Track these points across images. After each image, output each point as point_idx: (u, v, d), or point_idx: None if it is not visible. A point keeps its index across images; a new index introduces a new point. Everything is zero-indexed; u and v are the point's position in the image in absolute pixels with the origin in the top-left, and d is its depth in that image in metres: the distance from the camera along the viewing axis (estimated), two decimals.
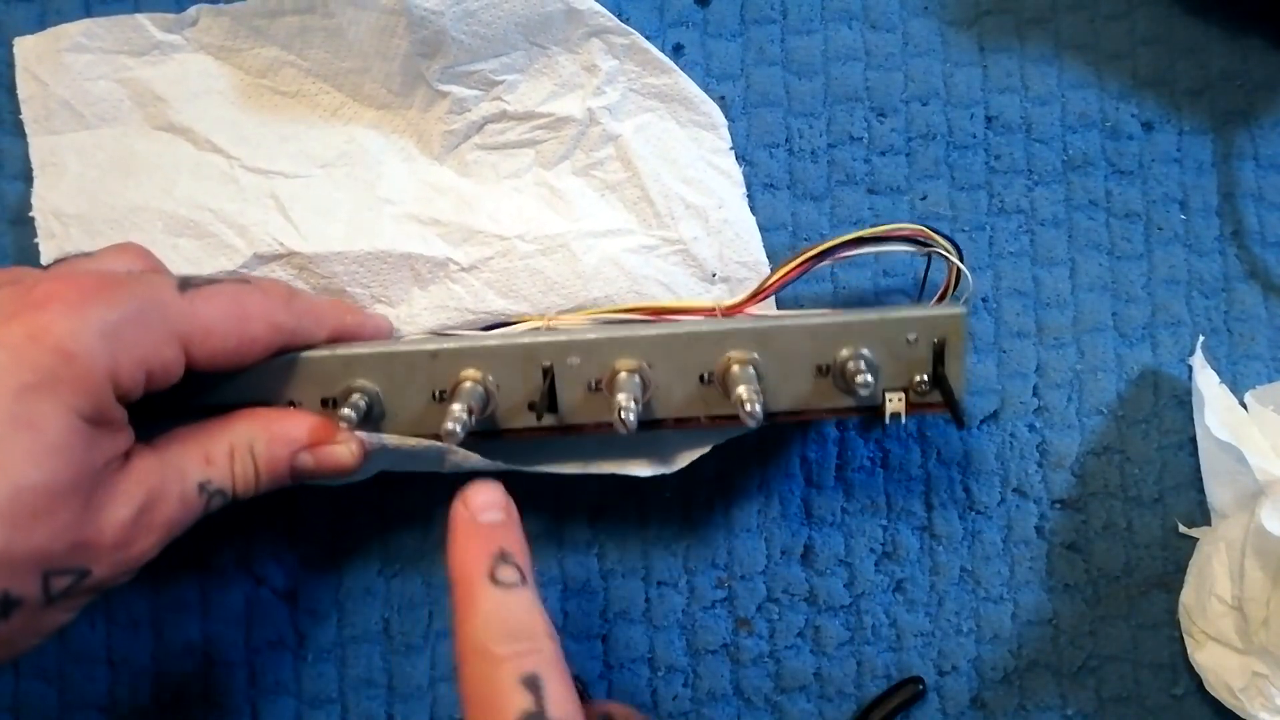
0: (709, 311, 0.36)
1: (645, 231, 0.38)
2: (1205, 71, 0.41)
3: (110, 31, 0.38)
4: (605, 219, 0.38)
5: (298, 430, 0.31)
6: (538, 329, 0.35)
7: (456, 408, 0.30)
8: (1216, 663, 0.37)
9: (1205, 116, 0.41)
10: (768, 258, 0.39)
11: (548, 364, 0.32)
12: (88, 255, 0.31)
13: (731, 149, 0.39)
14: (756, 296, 0.36)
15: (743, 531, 0.39)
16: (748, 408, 0.30)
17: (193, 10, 0.38)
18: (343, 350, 0.32)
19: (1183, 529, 0.39)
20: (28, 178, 0.37)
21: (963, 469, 0.39)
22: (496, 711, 0.25)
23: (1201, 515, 0.39)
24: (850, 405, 0.32)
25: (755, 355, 0.32)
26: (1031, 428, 0.40)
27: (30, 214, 0.37)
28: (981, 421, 0.40)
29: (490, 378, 0.32)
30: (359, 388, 0.32)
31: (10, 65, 0.38)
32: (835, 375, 0.32)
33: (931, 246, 0.35)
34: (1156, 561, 0.39)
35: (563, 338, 0.32)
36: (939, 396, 0.32)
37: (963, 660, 0.39)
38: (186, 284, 0.29)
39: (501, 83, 0.37)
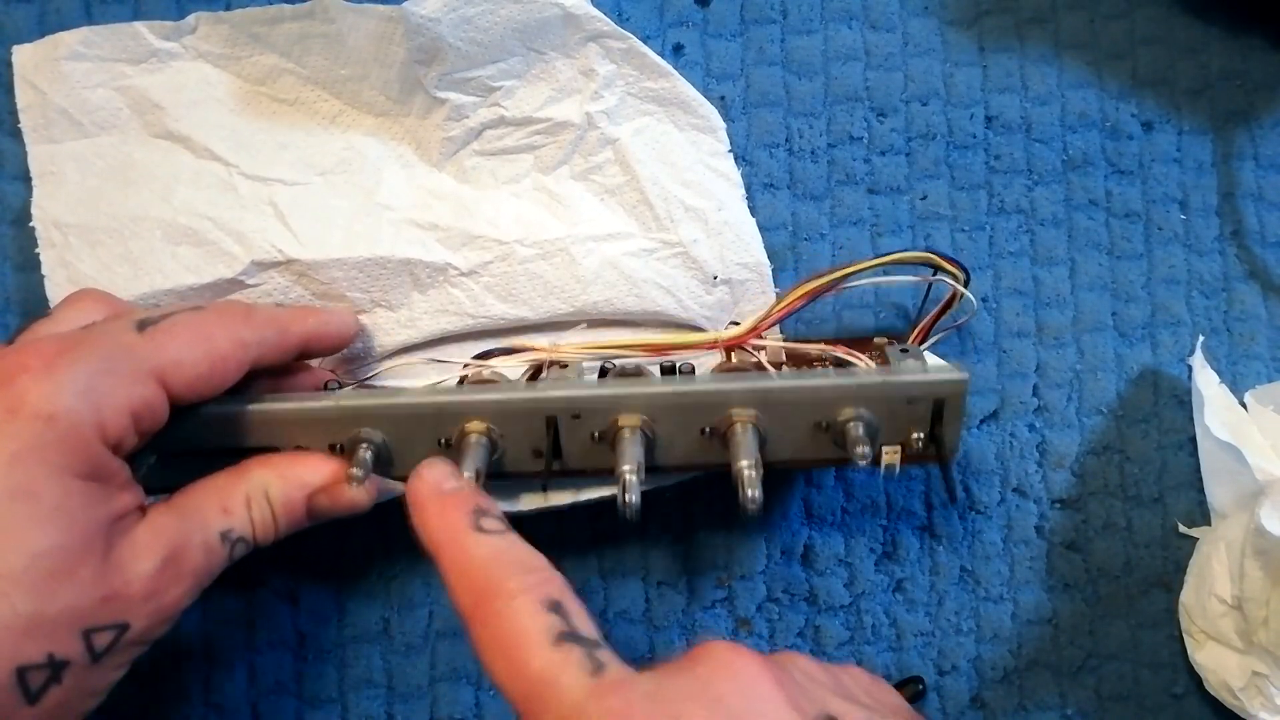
0: (710, 344, 0.36)
1: (645, 235, 0.38)
2: (1205, 71, 0.41)
3: (108, 40, 0.37)
4: (604, 223, 0.38)
5: (310, 474, 0.31)
6: (540, 361, 0.35)
7: (465, 477, 0.30)
8: (1216, 662, 0.37)
9: (1205, 116, 0.41)
10: (768, 258, 0.39)
11: (552, 415, 0.32)
12: (46, 317, 0.31)
13: (730, 151, 0.39)
14: (758, 328, 0.35)
15: (742, 531, 0.39)
16: (749, 492, 0.30)
17: (191, 18, 0.38)
18: (348, 403, 0.32)
19: (1182, 529, 0.39)
20: (27, 178, 0.37)
21: (963, 469, 0.39)
22: (528, 641, 0.25)
23: (1201, 515, 0.39)
24: (847, 457, 0.32)
25: (756, 413, 0.31)
26: (1031, 427, 0.40)
27: (31, 223, 0.37)
28: (981, 421, 0.40)
29: (494, 428, 0.32)
30: (365, 437, 0.32)
31: (10, 65, 0.38)
32: (835, 433, 0.32)
33: (938, 274, 0.35)
34: (1156, 561, 0.39)
35: (566, 393, 0.32)
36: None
37: (962, 660, 0.39)
38: (144, 323, 0.29)
39: (499, 89, 0.37)
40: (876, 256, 0.35)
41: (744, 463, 0.30)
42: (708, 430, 0.32)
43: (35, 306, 0.37)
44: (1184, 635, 0.39)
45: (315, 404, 0.32)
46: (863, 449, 0.30)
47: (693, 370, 0.35)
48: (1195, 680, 0.38)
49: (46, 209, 0.37)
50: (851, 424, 0.31)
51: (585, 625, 0.26)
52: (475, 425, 0.32)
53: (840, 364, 0.35)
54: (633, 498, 0.30)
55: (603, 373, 0.34)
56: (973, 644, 0.39)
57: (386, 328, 0.37)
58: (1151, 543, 0.39)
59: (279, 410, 0.32)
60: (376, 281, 0.37)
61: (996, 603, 0.39)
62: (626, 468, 0.30)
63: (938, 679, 0.39)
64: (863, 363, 0.34)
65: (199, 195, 0.37)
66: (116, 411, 0.27)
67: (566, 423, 0.32)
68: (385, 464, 0.32)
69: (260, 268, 0.36)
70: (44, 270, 0.36)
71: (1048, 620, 0.39)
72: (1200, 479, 0.39)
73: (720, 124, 0.39)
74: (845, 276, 0.35)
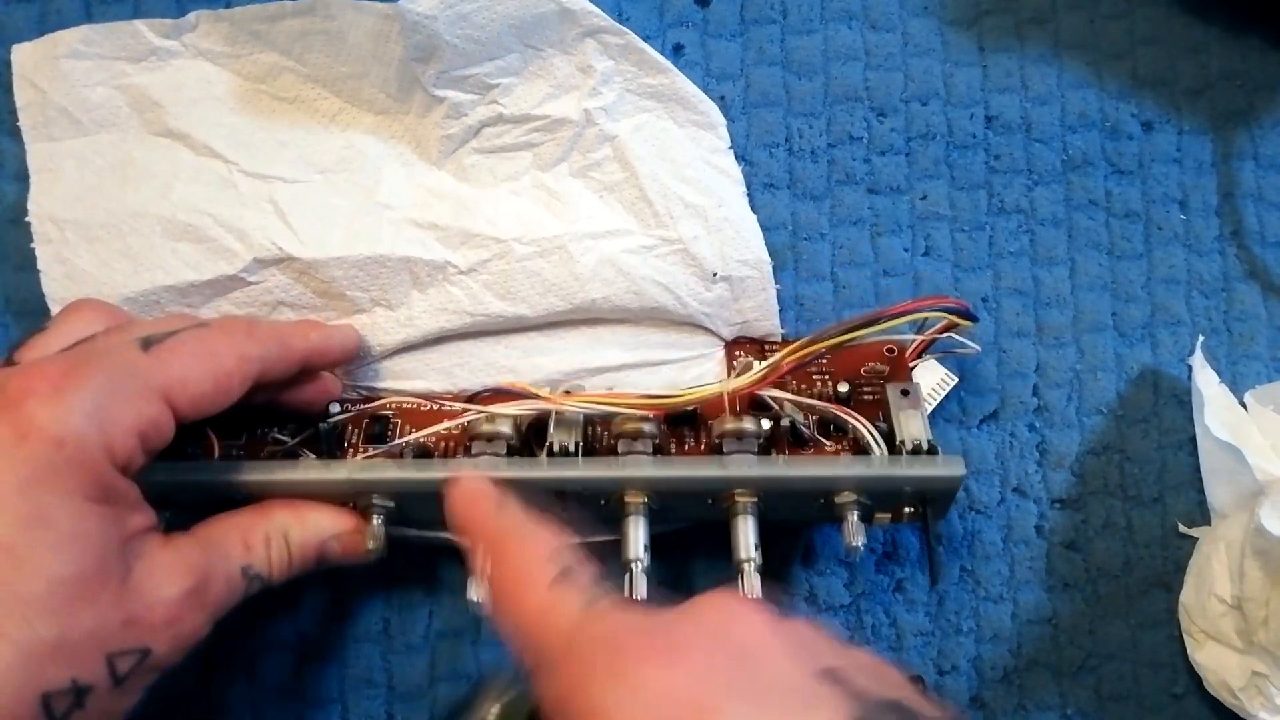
0: (716, 397, 0.35)
1: (644, 232, 0.38)
2: (1205, 71, 0.41)
3: (108, 38, 0.37)
4: (603, 220, 0.38)
5: (328, 523, 0.32)
6: (542, 410, 0.35)
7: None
8: (1216, 662, 0.37)
9: (1205, 116, 0.41)
10: (769, 256, 0.38)
11: (561, 491, 0.32)
12: (43, 330, 0.31)
13: (730, 148, 0.39)
14: (766, 379, 0.35)
15: None
16: (748, 587, 0.31)
17: (191, 16, 0.38)
18: (360, 476, 0.32)
19: (1182, 528, 0.39)
20: (26, 178, 0.37)
21: None
22: (530, 582, 0.27)
23: (1201, 515, 0.39)
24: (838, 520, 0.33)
25: (759, 498, 0.32)
26: (1031, 427, 0.40)
27: (27, 218, 0.37)
28: (981, 421, 0.40)
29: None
30: (379, 503, 0.32)
31: (10, 65, 0.38)
32: (831, 507, 0.33)
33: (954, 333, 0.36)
34: (1156, 561, 0.39)
35: (574, 473, 0.32)
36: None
37: (962, 659, 0.39)
38: (149, 341, 0.29)
39: (497, 86, 0.37)
40: (890, 310, 0.35)
41: (744, 557, 0.32)
42: (711, 500, 0.33)
43: (34, 306, 0.37)
44: (1184, 635, 0.39)
45: (329, 476, 0.32)
46: (856, 541, 0.32)
47: (696, 411, 0.35)
48: (1195, 680, 0.38)
49: (43, 205, 0.37)
50: (849, 509, 0.32)
51: (585, 573, 0.27)
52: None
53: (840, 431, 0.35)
54: (640, 590, 0.31)
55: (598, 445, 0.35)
56: (973, 644, 0.39)
57: (386, 327, 0.37)
58: (1151, 542, 0.39)
59: (294, 480, 0.32)
60: (376, 280, 0.37)
61: (996, 603, 0.39)
62: (633, 558, 0.32)
63: (938, 679, 0.39)
64: (864, 428, 0.34)
65: (199, 192, 0.37)
66: (124, 432, 0.27)
67: (574, 494, 0.33)
68: (398, 520, 0.33)
69: (261, 265, 0.36)
70: (40, 265, 0.36)
71: (1048, 620, 0.39)
72: (1200, 479, 0.39)
73: (720, 120, 0.39)
74: (855, 336, 0.35)
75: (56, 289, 0.36)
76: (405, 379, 0.37)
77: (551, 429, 0.34)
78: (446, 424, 0.35)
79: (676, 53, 0.40)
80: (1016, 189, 0.41)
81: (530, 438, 0.35)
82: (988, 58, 0.41)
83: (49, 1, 0.39)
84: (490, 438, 0.33)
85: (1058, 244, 0.41)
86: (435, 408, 0.36)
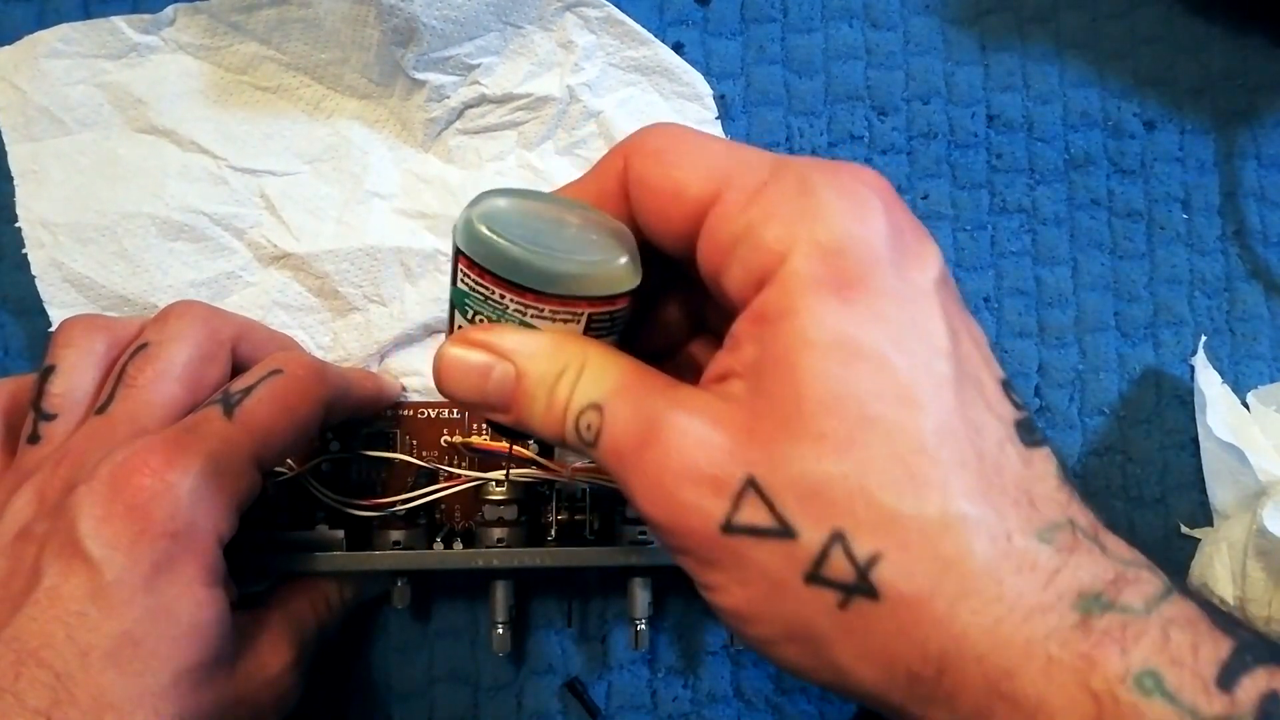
0: None
1: None
2: (1207, 70, 0.41)
3: (87, 36, 0.37)
4: None
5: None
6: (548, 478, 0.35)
7: (499, 631, 0.35)
8: None
9: (1207, 115, 0.41)
10: None
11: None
12: (56, 370, 0.31)
13: (718, 118, 0.39)
14: None
15: None
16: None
17: (169, 10, 0.37)
18: (388, 565, 0.34)
19: (1184, 529, 0.39)
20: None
21: None
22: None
23: (1203, 516, 0.39)
24: None
25: None
26: None
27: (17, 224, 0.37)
28: None
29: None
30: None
31: None
32: None
33: None
34: (1158, 562, 0.39)
35: (586, 562, 0.35)
36: None
37: None
38: (229, 404, 0.29)
39: (478, 66, 0.37)
40: None
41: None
42: None
43: (31, 305, 0.37)
44: None
45: (371, 567, 0.34)
46: None
47: None
48: None
49: (31, 208, 0.37)
50: None
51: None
52: (501, 584, 0.35)
53: None
54: (644, 644, 0.35)
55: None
56: None
57: (380, 324, 0.37)
58: (1153, 544, 0.39)
59: (344, 569, 0.34)
60: (368, 274, 0.36)
61: None
62: (638, 617, 0.35)
63: None
64: None
65: (190, 189, 0.37)
66: (228, 510, 0.28)
67: None
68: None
69: (259, 263, 0.36)
70: (34, 271, 0.36)
71: None
72: (1202, 480, 0.39)
73: (706, 90, 0.39)
74: None
75: (55, 293, 0.36)
76: (403, 375, 0.37)
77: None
78: (455, 487, 0.35)
79: (676, 51, 0.40)
80: (1018, 188, 0.41)
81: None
82: (989, 56, 0.41)
83: (48, 1, 0.39)
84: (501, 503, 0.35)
85: (1060, 243, 0.40)
86: (434, 415, 0.36)
